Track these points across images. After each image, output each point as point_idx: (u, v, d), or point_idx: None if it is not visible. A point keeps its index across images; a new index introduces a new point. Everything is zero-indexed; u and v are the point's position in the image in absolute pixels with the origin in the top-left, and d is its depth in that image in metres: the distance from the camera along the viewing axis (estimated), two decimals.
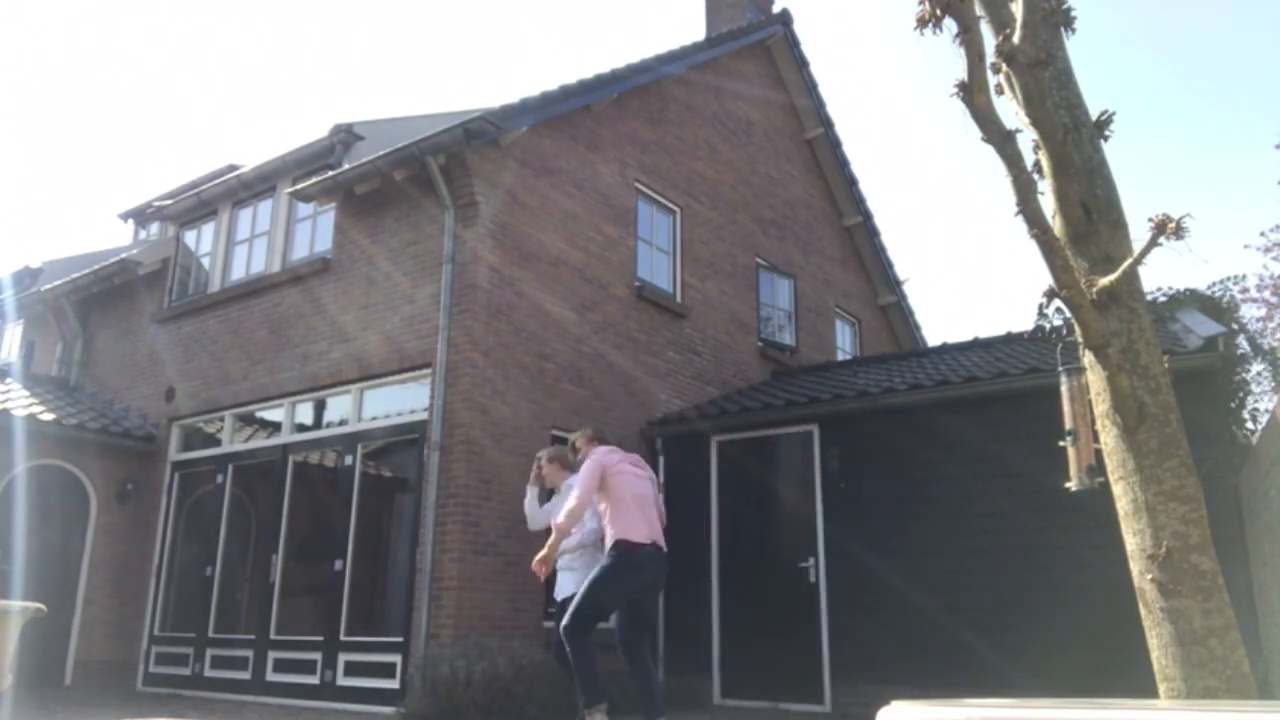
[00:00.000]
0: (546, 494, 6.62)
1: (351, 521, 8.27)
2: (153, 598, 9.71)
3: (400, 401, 8.26)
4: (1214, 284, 12.38)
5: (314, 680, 8.02)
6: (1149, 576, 3.26)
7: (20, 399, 9.73)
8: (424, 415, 7.86)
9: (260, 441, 9.41)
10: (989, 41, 3.58)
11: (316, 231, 9.45)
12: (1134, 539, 3.34)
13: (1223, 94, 38.01)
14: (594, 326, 8.91)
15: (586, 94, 8.99)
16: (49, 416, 9.47)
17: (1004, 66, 3.48)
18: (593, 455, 5.67)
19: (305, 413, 9.11)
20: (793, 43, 12.60)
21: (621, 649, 5.53)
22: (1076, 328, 3.46)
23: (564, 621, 5.30)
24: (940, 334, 29.91)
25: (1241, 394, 10.48)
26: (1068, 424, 4.23)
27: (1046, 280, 3.39)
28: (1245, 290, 14.62)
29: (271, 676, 8.38)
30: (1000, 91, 3.62)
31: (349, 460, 8.48)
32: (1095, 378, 3.53)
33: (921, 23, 3.45)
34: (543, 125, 8.67)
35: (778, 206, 12.16)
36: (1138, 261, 3.33)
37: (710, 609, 8.56)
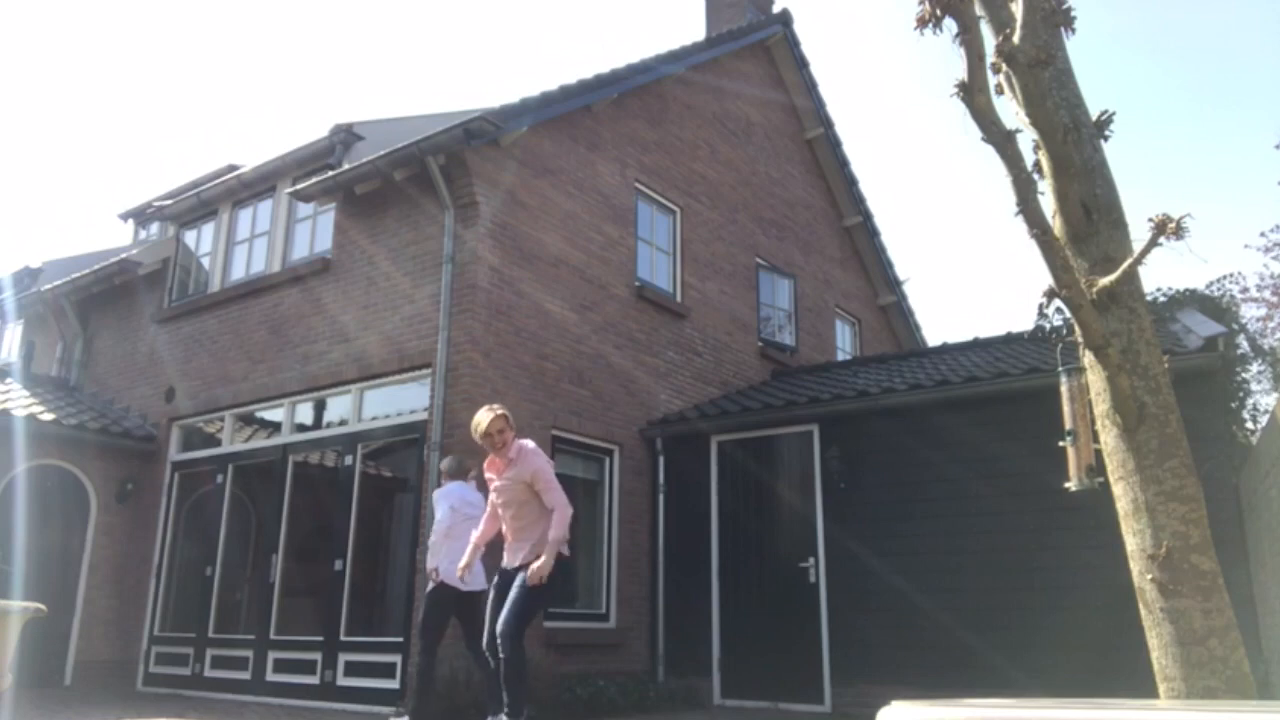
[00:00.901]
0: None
1: (351, 521, 8.27)
2: (153, 598, 9.71)
3: (400, 401, 8.26)
4: (1212, 283, 12.35)
5: (314, 680, 8.02)
6: (1149, 576, 3.26)
7: (20, 399, 9.72)
8: (424, 415, 7.86)
9: (260, 441, 9.41)
10: (989, 41, 3.59)
11: (316, 231, 9.44)
12: (1134, 539, 3.34)
13: (1223, 94, 38.01)
14: (594, 326, 8.91)
15: (586, 94, 8.99)
16: (49, 416, 9.47)
17: (1004, 66, 3.48)
18: (532, 449, 5.21)
19: (305, 413, 9.11)
20: (793, 43, 12.60)
21: (483, 651, 5.59)
22: (1076, 328, 3.46)
23: (505, 628, 4.94)
24: (940, 334, 29.90)
25: (1241, 394, 10.48)
26: (1068, 424, 4.23)
27: (1046, 280, 3.39)
28: (1245, 290, 14.63)
29: (271, 676, 8.37)
30: (1000, 91, 3.62)
31: (349, 460, 8.47)
32: (1095, 378, 3.53)
33: (921, 23, 3.45)
34: (543, 125, 8.67)
35: (778, 206, 12.16)
36: (1138, 261, 3.33)
37: (710, 609, 8.57)
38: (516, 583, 5.02)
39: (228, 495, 9.48)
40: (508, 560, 5.20)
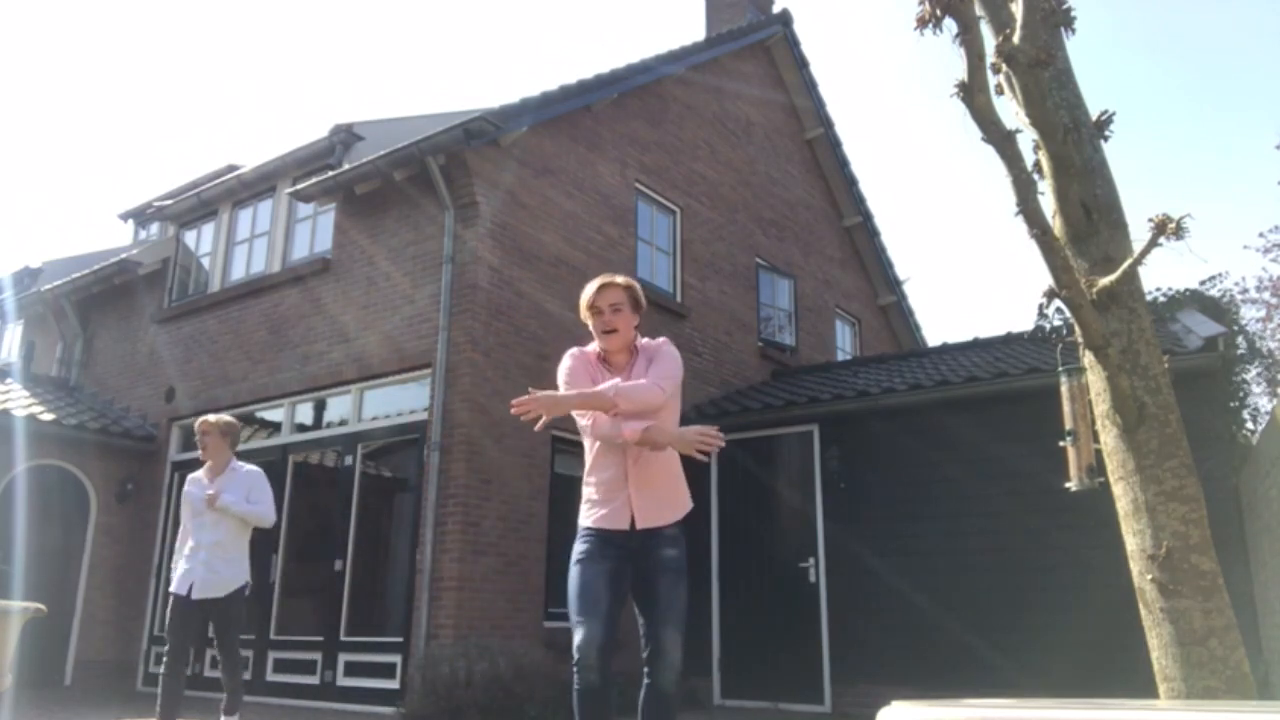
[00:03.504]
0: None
1: (351, 521, 8.27)
2: (153, 598, 9.71)
3: (400, 401, 8.26)
4: (1203, 282, 12.20)
5: (314, 680, 8.02)
6: (1149, 576, 3.26)
7: (20, 399, 9.72)
8: (424, 415, 7.86)
9: (260, 441, 9.41)
10: (989, 41, 3.58)
11: (316, 231, 9.45)
12: (1134, 539, 3.34)
13: (1222, 94, 38.02)
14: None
15: (586, 94, 8.99)
16: (49, 416, 9.47)
17: (1004, 66, 3.48)
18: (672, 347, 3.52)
19: (305, 413, 9.11)
20: (793, 43, 12.60)
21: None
22: (1076, 328, 3.46)
23: (678, 653, 3.18)
24: (940, 334, 29.91)
25: (1241, 394, 10.46)
26: (1068, 424, 4.23)
27: (1046, 280, 3.39)
28: (1245, 291, 14.61)
29: (271, 676, 8.37)
30: (1000, 91, 3.62)
31: (349, 460, 8.47)
32: (1095, 378, 3.53)
33: (921, 23, 3.44)
34: (543, 125, 8.67)
35: (778, 206, 12.16)
36: (1138, 261, 3.32)
37: (710, 609, 8.56)
38: (670, 570, 3.22)
39: None
40: (641, 516, 3.23)
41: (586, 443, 3.40)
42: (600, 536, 3.23)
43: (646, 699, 3.16)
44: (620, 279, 3.48)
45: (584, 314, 3.47)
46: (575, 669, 3.07)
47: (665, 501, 3.28)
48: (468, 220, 7.97)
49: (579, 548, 3.26)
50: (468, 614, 7.23)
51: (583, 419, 3.36)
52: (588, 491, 3.34)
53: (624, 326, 3.41)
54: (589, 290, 3.44)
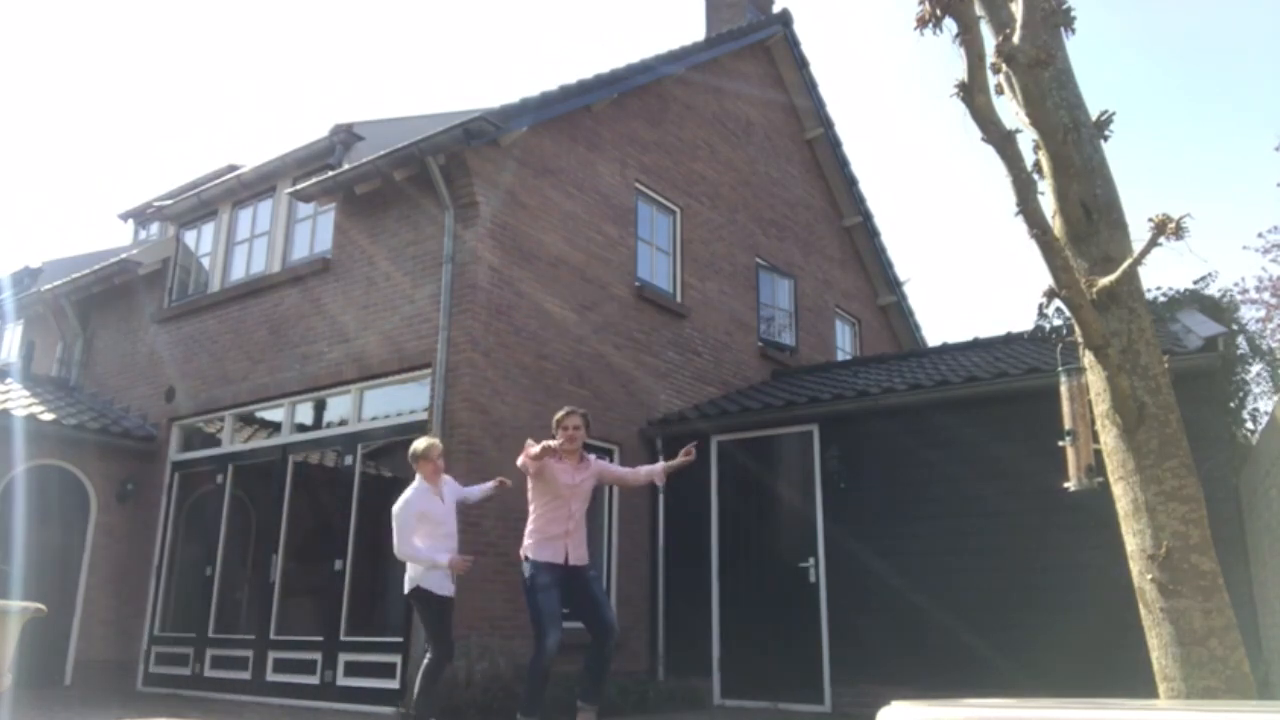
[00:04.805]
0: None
1: (351, 521, 8.26)
2: (153, 598, 9.71)
3: (400, 401, 8.26)
4: (1196, 282, 12.10)
5: (314, 680, 8.02)
6: (1149, 576, 3.26)
7: (20, 399, 9.72)
8: (424, 415, 7.86)
9: (260, 441, 9.41)
10: (989, 41, 3.58)
11: (316, 231, 9.44)
12: (1134, 539, 3.34)
13: (1222, 94, 38.05)
14: (594, 326, 8.90)
15: (586, 94, 8.99)
16: (49, 416, 9.47)
17: (1004, 66, 3.48)
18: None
19: (305, 413, 9.11)
20: (793, 43, 12.60)
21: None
22: (1076, 328, 3.46)
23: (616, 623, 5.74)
24: (940, 334, 29.91)
25: (1241, 394, 10.44)
26: (1067, 424, 4.23)
27: (1046, 280, 3.39)
28: (1245, 291, 14.59)
29: (271, 676, 8.38)
30: (1000, 91, 3.62)
31: (349, 460, 8.47)
32: (1095, 378, 3.53)
33: (921, 23, 3.44)
34: (543, 125, 8.67)
35: (778, 207, 12.16)
36: (1138, 261, 3.33)
37: (710, 609, 8.56)
38: (595, 581, 5.77)
39: (228, 495, 9.47)
40: (573, 557, 5.54)
41: (539, 502, 5.57)
42: (549, 566, 5.42)
43: (597, 656, 5.44)
44: (580, 410, 5.84)
45: (555, 429, 5.67)
46: (545, 655, 5.27)
47: (586, 550, 5.65)
48: (468, 220, 7.97)
49: (539, 576, 5.38)
50: (468, 614, 7.21)
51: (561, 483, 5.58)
52: (537, 536, 5.49)
53: (580, 439, 5.70)
54: (560, 413, 5.80)
